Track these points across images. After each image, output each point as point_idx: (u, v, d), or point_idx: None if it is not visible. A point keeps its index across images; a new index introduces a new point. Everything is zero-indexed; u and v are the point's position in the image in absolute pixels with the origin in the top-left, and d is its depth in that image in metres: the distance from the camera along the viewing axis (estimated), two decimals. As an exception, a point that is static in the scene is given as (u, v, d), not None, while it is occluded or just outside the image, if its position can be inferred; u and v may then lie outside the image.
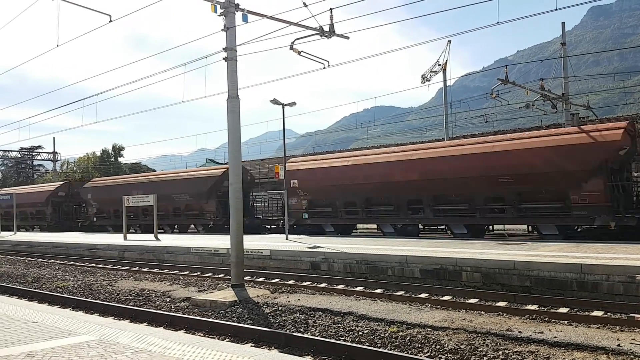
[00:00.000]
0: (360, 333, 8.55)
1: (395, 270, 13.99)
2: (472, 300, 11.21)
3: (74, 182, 45.89)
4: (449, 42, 34.82)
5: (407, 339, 8.07)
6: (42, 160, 69.09)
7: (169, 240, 24.17)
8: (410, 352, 7.57)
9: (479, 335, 8.00)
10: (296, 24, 14.25)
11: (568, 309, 10.21)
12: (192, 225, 33.65)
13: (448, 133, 33.78)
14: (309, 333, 8.75)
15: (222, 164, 42.07)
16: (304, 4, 13.56)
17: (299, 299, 11.29)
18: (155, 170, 57.76)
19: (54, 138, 61.04)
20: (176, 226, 34.33)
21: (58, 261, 22.62)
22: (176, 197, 31.73)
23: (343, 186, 24.05)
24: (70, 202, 41.97)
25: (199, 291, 12.83)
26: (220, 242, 20.66)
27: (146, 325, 9.73)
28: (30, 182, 64.49)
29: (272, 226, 31.35)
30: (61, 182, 45.31)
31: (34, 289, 14.68)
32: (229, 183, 12.89)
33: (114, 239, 26.67)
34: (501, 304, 10.82)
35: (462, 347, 7.52)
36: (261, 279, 15.16)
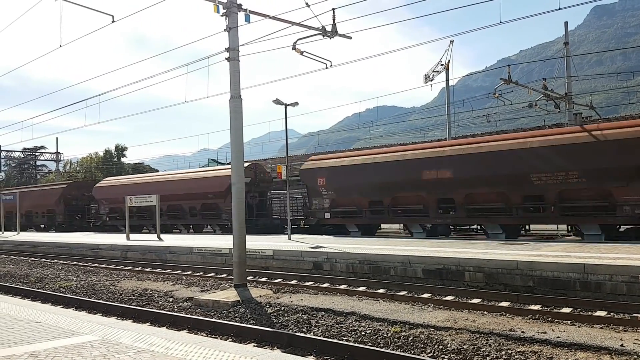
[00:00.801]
0: (363, 333, 8.54)
1: (397, 270, 13.98)
2: (475, 301, 11.19)
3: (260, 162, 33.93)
4: (452, 41, 34.78)
5: (410, 339, 8.06)
6: (45, 160, 69.15)
7: (171, 240, 24.20)
8: (412, 352, 7.56)
9: (482, 335, 7.99)
10: (298, 24, 14.25)
11: (571, 309, 10.19)
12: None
13: (451, 133, 33.74)
14: (312, 333, 8.75)
15: (224, 164, 41.57)
16: (307, 4, 13.56)
17: (302, 299, 11.28)
18: (158, 171, 57.31)
19: (57, 138, 61.01)
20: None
21: (61, 261, 22.67)
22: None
23: None
24: (257, 190, 30.07)
25: (202, 291, 12.83)
26: (223, 242, 20.68)
27: (149, 325, 9.75)
28: (33, 183, 64.59)
29: None
30: (246, 164, 29.33)
31: (37, 289, 14.71)
32: (231, 183, 12.84)
33: (117, 239, 26.71)
34: (504, 304, 10.81)
35: (465, 347, 7.51)
36: (264, 279, 15.17)
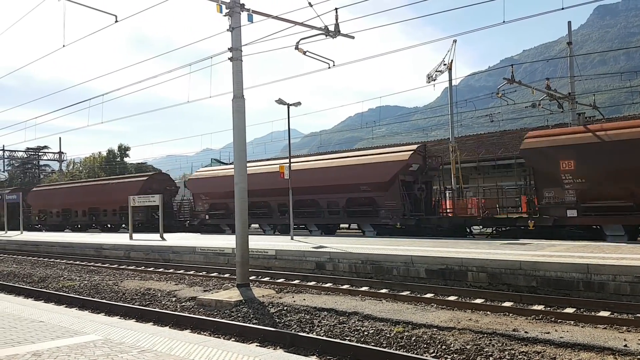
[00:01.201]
0: (366, 333, 8.54)
1: (400, 270, 13.97)
2: (478, 301, 11.18)
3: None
4: (455, 41, 34.65)
5: (413, 339, 8.05)
6: (49, 160, 69.24)
7: (174, 240, 24.23)
8: (415, 352, 7.55)
9: (485, 335, 7.97)
10: (301, 24, 14.26)
11: (574, 309, 10.17)
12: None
13: (453, 133, 33.67)
14: (314, 333, 8.75)
15: (227, 163, 41.39)
16: (309, 3, 13.56)
17: (304, 299, 11.28)
18: (161, 171, 57.04)
19: (59, 138, 61.11)
20: None
21: (64, 261, 22.71)
22: None
23: None
24: (424, 179, 23.88)
25: (205, 291, 12.84)
26: (225, 242, 20.70)
27: (152, 324, 9.75)
28: (36, 182, 64.69)
29: None
30: (414, 146, 24.75)
31: (40, 288, 14.73)
32: (234, 182, 12.83)
33: (120, 238, 26.75)
34: (507, 304, 10.79)
35: (468, 347, 7.49)
36: (266, 279, 15.17)
